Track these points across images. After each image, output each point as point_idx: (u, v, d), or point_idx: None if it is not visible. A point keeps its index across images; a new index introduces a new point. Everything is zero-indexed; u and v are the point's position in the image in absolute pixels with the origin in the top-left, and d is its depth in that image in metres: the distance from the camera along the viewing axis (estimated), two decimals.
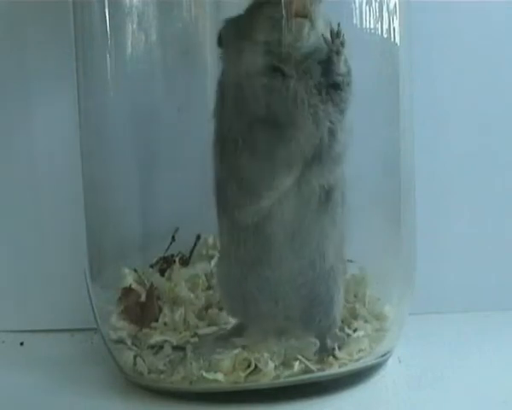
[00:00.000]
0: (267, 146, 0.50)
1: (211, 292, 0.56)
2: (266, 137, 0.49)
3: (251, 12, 0.51)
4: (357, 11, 0.52)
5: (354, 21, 0.52)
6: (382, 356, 0.55)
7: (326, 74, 0.50)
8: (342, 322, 0.54)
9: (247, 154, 0.50)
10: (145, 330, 0.55)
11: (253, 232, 0.51)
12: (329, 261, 0.52)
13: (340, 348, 0.53)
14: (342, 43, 0.49)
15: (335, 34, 0.49)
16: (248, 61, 0.50)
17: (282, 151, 0.50)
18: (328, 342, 0.53)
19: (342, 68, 0.50)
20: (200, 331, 0.54)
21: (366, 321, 0.56)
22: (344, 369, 0.52)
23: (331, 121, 0.50)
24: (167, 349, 0.54)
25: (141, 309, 0.56)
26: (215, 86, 0.52)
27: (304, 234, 0.51)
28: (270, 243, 0.51)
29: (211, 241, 0.61)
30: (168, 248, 0.61)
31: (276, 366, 0.51)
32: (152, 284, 0.57)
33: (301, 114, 0.49)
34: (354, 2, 0.52)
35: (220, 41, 0.52)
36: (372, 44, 0.56)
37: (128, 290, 0.57)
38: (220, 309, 0.55)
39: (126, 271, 0.59)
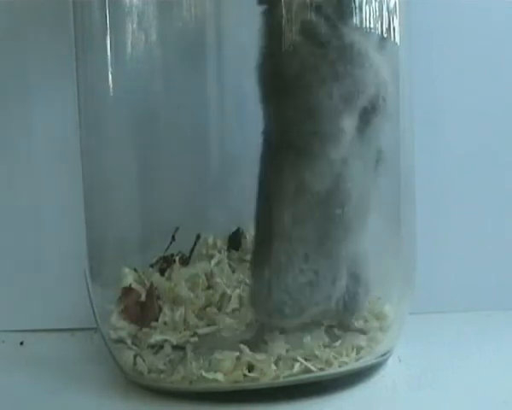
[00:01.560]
0: (328, 87, 0.50)
1: (211, 292, 0.56)
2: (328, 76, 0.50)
3: None
4: (357, 10, 0.52)
5: (354, 21, 0.52)
6: (382, 356, 0.55)
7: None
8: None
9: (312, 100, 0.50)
10: (145, 330, 0.55)
11: (323, 203, 0.50)
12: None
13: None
14: None
15: None
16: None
17: (341, 89, 0.50)
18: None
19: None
20: (200, 331, 0.54)
21: (366, 320, 0.56)
22: (344, 369, 0.52)
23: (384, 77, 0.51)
24: (167, 349, 0.53)
25: (141, 309, 0.56)
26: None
27: (365, 202, 0.51)
28: (340, 213, 0.50)
29: (211, 241, 0.61)
30: (168, 247, 0.61)
31: (276, 365, 0.51)
32: (152, 284, 0.57)
33: (363, 61, 0.50)
34: (354, 2, 0.52)
35: None
36: None
37: (128, 290, 0.57)
38: (219, 309, 0.55)
39: (126, 270, 0.59)
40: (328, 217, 0.50)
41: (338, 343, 0.53)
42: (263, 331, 0.53)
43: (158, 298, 0.56)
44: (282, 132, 0.51)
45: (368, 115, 0.51)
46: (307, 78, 0.50)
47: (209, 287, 0.57)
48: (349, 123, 0.50)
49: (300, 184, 0.51)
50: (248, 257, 0.58)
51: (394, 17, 0.54)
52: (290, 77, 0.50)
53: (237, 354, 0.51)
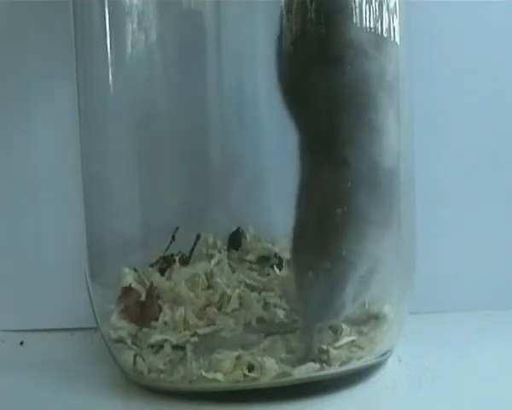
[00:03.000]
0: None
1: (211, 292, 0.56)
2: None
3: None
4: (357, 10, 0.52)
5: (354, 21, 0.52)
6: (382, 355, 0.55)
7: None
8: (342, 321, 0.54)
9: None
10: (145, 330, 0.55)
11: (390, 182, 0.50)
12: None
13: None
14: None
15: None
16: None
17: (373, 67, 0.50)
18: None
19: None
20: (200, 331, 0.54)
21: (366, 320, 0.56)
22: (344, 368, 0.52)
23: None
24: (167, 349, 0.54)
25: (141, 308, 0.56)
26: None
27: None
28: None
29: (211, 241, 0.61)
30: (168, 247, 0.61)
31: (276, 364, 0.51)
32: (152, 284, 0.57)
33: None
34: (354, 2, 0.52)
35: None
36: None
37: (128, 290, 0.57)
38: (219, 309, 0.55)
39: (126, 270, 0.59)
40: (394, 198, 0.51)
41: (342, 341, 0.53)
42: (312, 340, 0.52)
43: (158, 298, 0.56)
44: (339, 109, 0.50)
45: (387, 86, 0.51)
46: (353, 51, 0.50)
47: (209, 287, 0.57)
48: (380, 94, 0.51)
49: (371, 162, 0.50)
50: (249, 257, 0.59)
51: (394, 17, 0.54)
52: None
53: (237, 353, 0.51)
